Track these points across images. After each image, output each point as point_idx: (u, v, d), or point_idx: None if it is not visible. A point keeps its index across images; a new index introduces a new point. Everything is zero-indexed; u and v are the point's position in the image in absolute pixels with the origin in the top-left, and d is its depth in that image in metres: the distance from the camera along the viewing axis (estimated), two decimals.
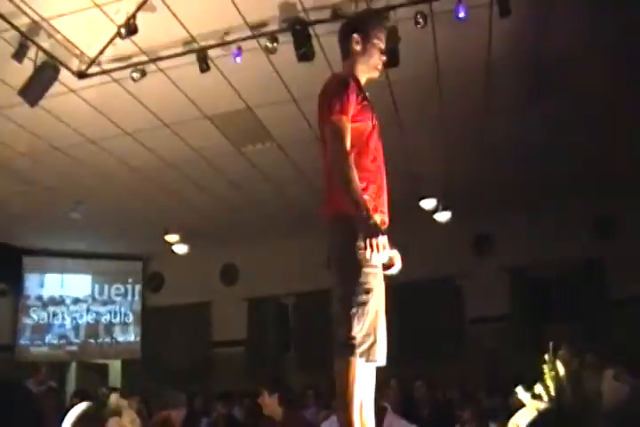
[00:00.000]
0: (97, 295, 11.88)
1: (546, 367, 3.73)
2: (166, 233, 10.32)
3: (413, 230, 9.15)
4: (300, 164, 7.81)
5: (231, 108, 6.42)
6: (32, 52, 5.17)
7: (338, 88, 2.80)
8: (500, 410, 6.15)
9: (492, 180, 8.78)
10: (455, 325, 10.50)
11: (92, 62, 5.49)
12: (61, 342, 11.44)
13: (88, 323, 11.70)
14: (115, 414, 4.91)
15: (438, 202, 9.12)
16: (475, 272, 10.28)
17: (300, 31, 5.07)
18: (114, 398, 5.08)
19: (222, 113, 6.53)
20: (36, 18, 4.99)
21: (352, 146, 2.73)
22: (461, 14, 4.86)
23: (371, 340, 2.62)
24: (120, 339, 11.89)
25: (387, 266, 2.89)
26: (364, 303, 2.61)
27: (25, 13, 4.89)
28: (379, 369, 2.80)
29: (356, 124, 2.77)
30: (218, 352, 11.51)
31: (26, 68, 5.22)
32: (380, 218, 2.77)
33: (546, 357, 3.72)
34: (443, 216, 9.48)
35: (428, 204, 9.04)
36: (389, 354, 2.74)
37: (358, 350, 2.58)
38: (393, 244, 2.90)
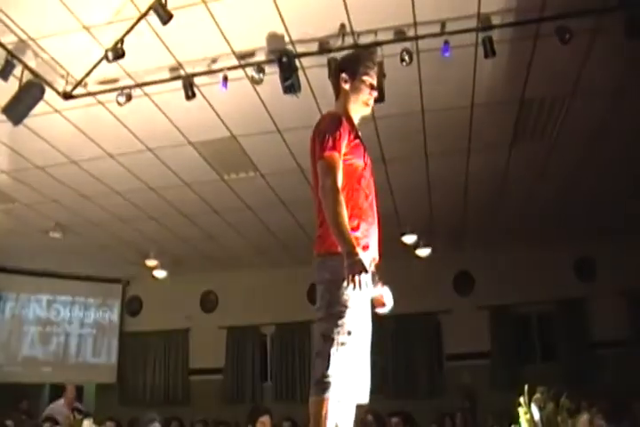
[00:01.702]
0: (74, 317, 11.71)
1: (521, 410, 3.70)
2: (146, 257, 10.24)
3: (395, 265, 9.12)
4: (283, 194, 7.81)
5: (215, 135, 6.42)
6: (18, 70, 5.16)
7: (330, 125, 2.81)
8: None
9: (474, 218, 8.83)
10: (433, 361, 10.45)
11: (78, 84, 5.48)
12: (35, 362, 11.20)
13: (63, 344, 11.51)
14: None
15: (419, 238, 9.13)
16: (455, 309, 10.27)
17: (286, 63, 5.10)
18: (87, 423, 5.00)
19: (206, 140, 6.52)
20: (24, 37, 4.99)
21: (344, 183, 2.74)
22: (447, 53, 4.91)
23: (346, 380, 2.60)
24: (96, 362, 11.70)
25: (377, 304, 2.91)
26: (344, 344, 2.60)
27: (12, 32, 4.90)
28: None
29: (347, 161, 2.78)
30: (195, 380, 11.34)
31: (11, 87, 5.21)
32: (372, 256, 2.78)
33: (521, 399, 3.69)
34: (423, 252, 9.48)
35: (409, 239, 9.04)
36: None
37: (331, 389, 2.55)
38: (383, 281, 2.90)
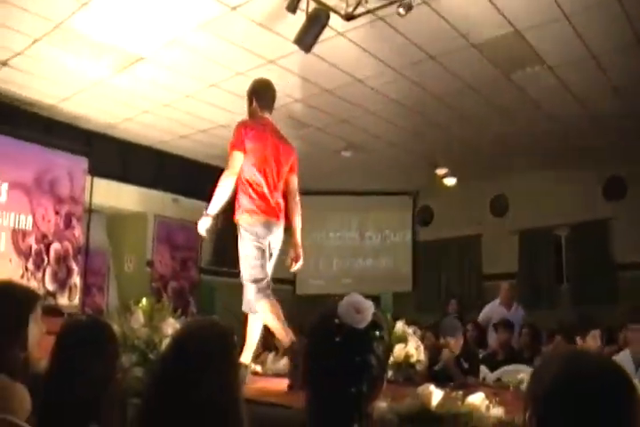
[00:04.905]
0: (369, 231, 12.46)
1: None
2: (435, 167, 10.39)
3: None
4: (574, 87, 7.29)
5: (498, 33, 6.11)
6: (303, 2, 5.42)
7: None
8: None
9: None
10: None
11: (359, 3, 5.58)
12: (335, 275, 12.23)
13: (360, 256, 12.39)
14: (401, 341, 5.17)
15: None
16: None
17: None
18: (399, 326, 5.29)
19: (488, 39, 6.23)
20: None
21: None
22: None
23: None
24: (391, 272, 12.37)
25: None
26: None
27: None
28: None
29: None
30: (488, 285, 11.40)
31: (298, 18, 5.49)
32: None
33: None
34: None
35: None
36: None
37: None
38: None
